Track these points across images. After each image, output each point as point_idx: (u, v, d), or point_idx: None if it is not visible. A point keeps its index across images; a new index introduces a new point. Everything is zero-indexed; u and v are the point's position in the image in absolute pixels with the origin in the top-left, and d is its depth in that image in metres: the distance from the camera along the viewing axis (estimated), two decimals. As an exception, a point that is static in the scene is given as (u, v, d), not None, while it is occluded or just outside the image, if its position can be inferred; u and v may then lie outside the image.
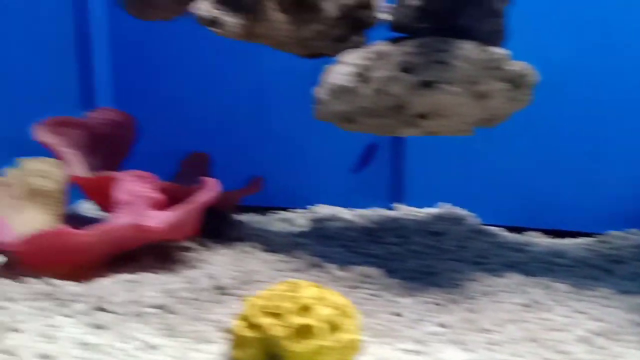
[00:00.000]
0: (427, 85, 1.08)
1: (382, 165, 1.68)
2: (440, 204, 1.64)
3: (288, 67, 1.50)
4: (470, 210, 1.61)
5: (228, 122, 1.64)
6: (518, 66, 1.08)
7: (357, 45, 1.19)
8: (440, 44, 1.08)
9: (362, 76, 1.11)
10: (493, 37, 1.15)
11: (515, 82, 1.08)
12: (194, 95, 1.63)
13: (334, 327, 0.78)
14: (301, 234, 1.47)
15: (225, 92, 1.65)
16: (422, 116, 1.13)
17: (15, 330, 0.88)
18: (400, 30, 1.21)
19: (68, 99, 1.58)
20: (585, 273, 1.33)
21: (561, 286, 1.20)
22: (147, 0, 1.17)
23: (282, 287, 0.82)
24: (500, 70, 1.07)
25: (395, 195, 1.69)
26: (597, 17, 1.47)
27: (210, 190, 1.12)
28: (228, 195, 1.33)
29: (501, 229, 1.57)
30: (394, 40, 1.17)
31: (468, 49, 1.06)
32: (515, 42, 1.16)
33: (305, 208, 1.67)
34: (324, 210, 1.66)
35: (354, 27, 1.20)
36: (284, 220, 1.61)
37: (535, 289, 1.18)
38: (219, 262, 1.22)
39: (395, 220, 1.58)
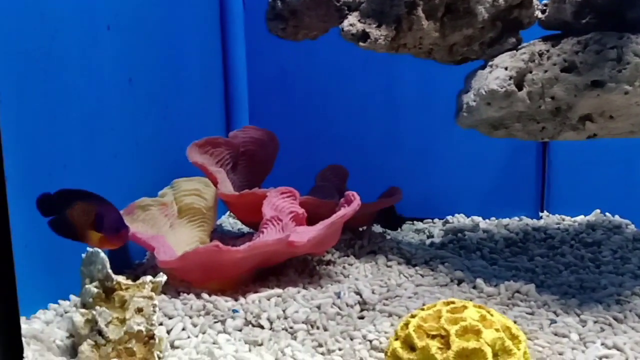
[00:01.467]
0: (596, 85, 1.00)
1: (528, 171, 1.59)
2: (593, 211, 1.52)
3: (423, 76, 1.47)
4: (627, 218, 1.48)
5: (362, 135, 1.63)
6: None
7: (511, 47, 1.12)
8: (611, 39, 0.99)
9: (518, 79, 1.05)
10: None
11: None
12: (328, 109, 1.65)
13: (503, 351, 0.73)
14: (440, 246, 1.42)
15: (359, 104, 1.64)
16: (588, 118, 1.05)
17: (177, 347, 0.92)
18: (556, 28, 1.13)
19: (216, 121, 1.66)
20: None
21: None
22: (298, 22, 1.17)
23: (440, 307, 0.79)
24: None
25: (542, 203, 1.59)
26: None
27: (351, 203, 1.11)
28: (369, 206, 1.31)
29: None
30: (550, 39, 1.09)
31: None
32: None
33: (441, 218, 1.62)
34: (461, 220, 1.60)
35: (508, 28, 1.14)
36: (420, 231, 1.56)
37: None
38: (361, 276, 1.21)
39: (540, 229, 1.48)
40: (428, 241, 1.48)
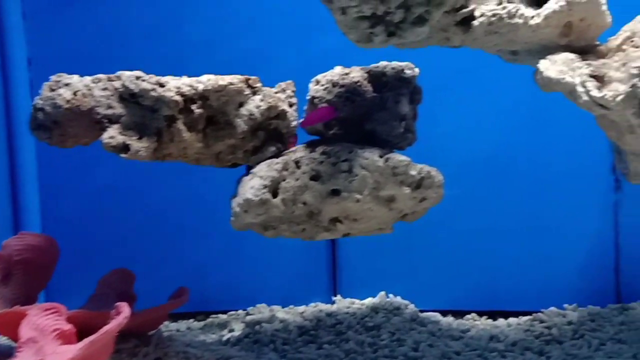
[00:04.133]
0: (335, 193, 1.10)
1: (319, 255, 1.67)
2: (379, 294, 1.63)
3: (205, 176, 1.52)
4: (409, 297, 1.60)
5: (156, 233, 1.63)
6: (420, 170, 1.11)
7: (273, 155, 1.21)
8: (344, 152, 1.11)
9: (273, 187, 1.13)
10: (400, 140, 1.19)
11: (420, 185, 1.11)
12: (123, 210, 1.63)
13: None
14: (235, 342, 1.43)
15: (154, 199, 1.65)
16: (337, 221, 1.15)
17: None
18: (316, 135, 1.24)
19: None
20: (518, 358, 1.32)
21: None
22: (63, 132, 1.17)
23: None
24: (403, 175, 1.09)
25: (335, 287, 1.67)
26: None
27: (120, 315, 1.09)
28: (150, 312, 1.29)
29: (441, 314, 1.57)
30: (311, 145, 1.20)
31: (371, 157, 1.09)
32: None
33: (245, 309, 1.65)
34: (262, 310, 1.63)
35: (271, 137, 1.22)
36: (221, 325, 1.57)
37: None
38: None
39: (332, 315, 1.56)
40: (227, 336, 1.49)
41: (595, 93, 0.84)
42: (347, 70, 1.23)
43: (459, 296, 1.60)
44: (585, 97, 0.86)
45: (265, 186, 1.10)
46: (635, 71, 0.83)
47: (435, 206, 1.55)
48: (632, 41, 0.93)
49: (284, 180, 1.11)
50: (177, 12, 1.63)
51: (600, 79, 0.87)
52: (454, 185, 1.55)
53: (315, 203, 1.11)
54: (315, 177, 1.10)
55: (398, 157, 1.09)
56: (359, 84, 1.20)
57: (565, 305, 1.53)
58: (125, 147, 1.08)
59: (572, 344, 1.37)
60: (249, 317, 1.59)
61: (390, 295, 1.62)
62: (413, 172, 1.08)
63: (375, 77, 1.22)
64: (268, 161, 1.15)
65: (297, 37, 1.59)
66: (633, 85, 0.82)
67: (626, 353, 1.30)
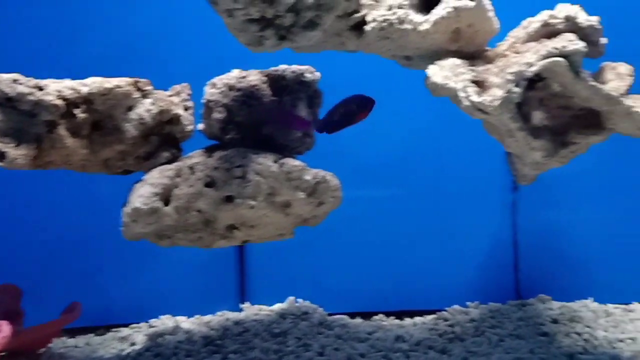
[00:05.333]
0: (229, 199, 1.07)
1: (227, 261, 1.63)
2: (287, 299, 1.61)
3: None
4: (318, 301, 1.60)
5: (50, 245, 1.54)
6: (315, 175, 1.10)
7: (166, 161, 1.16)
8: (239, 159, 1.08)
9: (165, 195, 1.08)
10: (298, 144, 1.17)
11: (315, 189, 1.10)
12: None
13: None
14: (135, 356, 1.37)
15: (44, 209, 1.55)
16: (234, 227, 1.12)
17: None
18: (214, 139, 1.20)
19: None
20: (422, 357, 1.34)
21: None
22: None
23: None
24: (298, 180, 1.08)
25: (243, 294, 1.64)
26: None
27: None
28: (39, 329, 1.22)
29: (349, 316, 1.57)
30: (209, 150, 1.16)
31: (264, 162, 1.06)
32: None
33: (147, 322, 1.58)
34: (165, 322, 1.57)
35: (165, 142, 1.17)
36: (122, 339, 1.50)
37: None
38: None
39: (240, 323, 1.52)
40: (127, 351, 1.42)
41: (474, 98, 0.86)
42: (244, 73, 1.20)
43: (366, 298, 1.61)
44: (466, 102, 0.87)
45: (155, 194, 1.05)
46: (510, 77, 0.85)
47: (341, 209, 1.59)
48: (514, 47, 0.95)
49: (176, 187, 1.07)
50: (72, 13, 1.55)
51: (482, 84, 0.88)
52: (359, 188, 1.58)
53: (209, 210, 1.07)
54: (209, 184, 1.07)
55: (292, 162, 1.07)
56: (256, 87, 1.17)
57: (468, 303, 1.57)
58: (1, 155, 1.00)
59: (473, 341, 1.40)
60: (151, 330, 1.53)
61: (300, 300, 1.61)
62: (307, 177, 1.07)
63: (274, 81, 1.20)
64: (160, 167, 1.10)
65: (201, 39, 1.54)
66: (508, 91, 0.85)
67: (523, 348, 1.35)
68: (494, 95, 0.85)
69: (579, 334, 1.39)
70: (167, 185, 1.07)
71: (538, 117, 1.00)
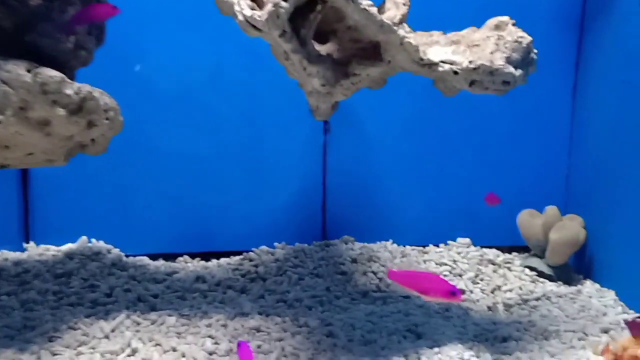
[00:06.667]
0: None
1: (8, 200, 1.44)
2: (80, 238, 1.47)
3: None
4: (118, 242, 1.48)
5: None
6: (79, 90, 0.95)
7: None
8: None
9: None
10: (70, 57, 1.02)
11: (81, 107, 0.96)
12: None
13: None
14: None
15: None
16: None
17: None
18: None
19: None
20: (219, 297, 1.30)
21: (171, 319, 1.15)
22: None
23: None
24: (56, 94, 0.92)
25: (27, 233, 1.47)
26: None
27: None
28: None
29: (151, 258, 1.48)
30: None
31: (14, 71, 0.90)
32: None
33: None
34: None
35: None
36: None
37: (144, 326, 1.12)
38: None
39: (20, 263, 1.36)
40: None
41: (247, 12, 0.79)
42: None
43: (170, 239, 1.52)
44: (240, 17, 0.80)
45: None
46: None
47: (152, 149, 1.47)
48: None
49: None
50: None
51: (260, 1, 0.81)
52: (164, 127, 1.48)
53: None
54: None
55: (49, 72, 0.92)
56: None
57: (276, 244, 1.54)
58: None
59: (274, 280, 1.38)
60: None
61: (93, 240, 1.47)
62: (69, 91, 0.92)
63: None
64: None
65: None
66: (275, 5, 0.78)
67: (320, 286, 1.35)
68: (265, 10, 0.79)
69: (374, 272, 1.43)
70: None
71: (330, 47, 0.96)
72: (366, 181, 1.59)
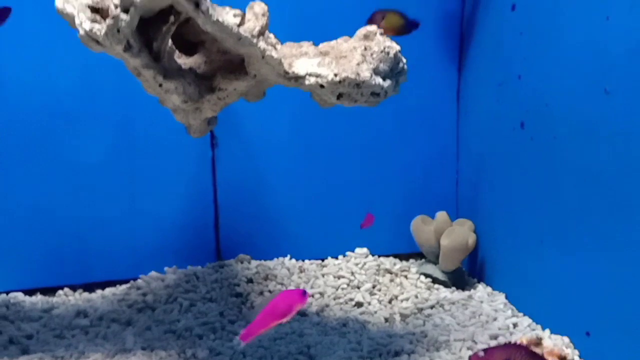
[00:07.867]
0: None
1: None
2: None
3: None
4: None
5: None
6: None
7: None
8: None
9: None
10: None
11: None
12: None
13: None
14: None
15: None
16: None
17: None
18: None
19: None
20: (102, 332, 1.21)
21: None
22: None
23: None
24: None
25: None
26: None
27: None
28: None
29: (27, 294, 1.36)
30: None
31: None
32: None
33: None
34: None
35: None
36: None
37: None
38: None
39: None
40: None
41: (86, 25, 0.71)
42: None
43: (48, 271, 1.40)
44: (81, 31, 0.73)
45: None
46: (116, 1, 0.71)
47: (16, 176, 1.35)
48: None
49: None
50: None
51: (105, 12, 0.74)
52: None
53: None
54: None
55: None
56: None
57: (166, 268, 1.46)
58: None
59: (164, 308, 1.30)
60: None
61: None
62: None
63: None
64: None
65: None
66: (114, 17, 0.71)
67: (213, 311, 1.29)
68: (104, 23, 0.72)
69: (271, 292, 1.38)
70: None
71: (197, 59, 0.90)
72: (260, 196, 1.53)
